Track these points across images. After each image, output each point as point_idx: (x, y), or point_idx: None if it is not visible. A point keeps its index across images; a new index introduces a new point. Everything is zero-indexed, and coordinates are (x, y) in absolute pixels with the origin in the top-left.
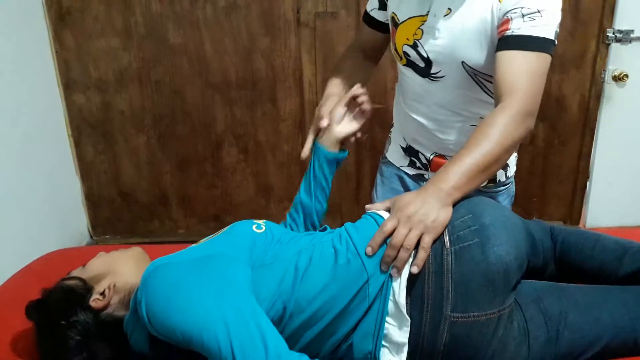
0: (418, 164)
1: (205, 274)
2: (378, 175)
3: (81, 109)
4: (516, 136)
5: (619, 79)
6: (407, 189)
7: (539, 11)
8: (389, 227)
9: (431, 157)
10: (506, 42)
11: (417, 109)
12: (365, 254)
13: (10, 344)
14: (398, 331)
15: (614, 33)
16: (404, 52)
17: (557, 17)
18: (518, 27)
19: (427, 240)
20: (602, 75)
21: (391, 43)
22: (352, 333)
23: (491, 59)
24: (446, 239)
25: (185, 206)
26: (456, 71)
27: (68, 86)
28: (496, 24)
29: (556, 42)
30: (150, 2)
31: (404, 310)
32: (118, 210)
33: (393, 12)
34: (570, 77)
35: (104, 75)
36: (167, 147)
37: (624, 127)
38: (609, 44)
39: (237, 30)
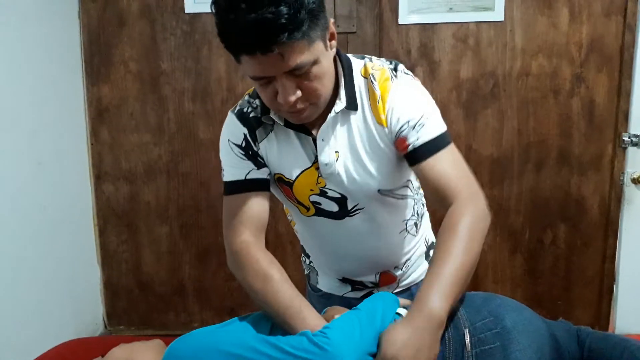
0: (363, 287)
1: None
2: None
3: (109, 198)
4: (484, 227)
5: (638, 181)
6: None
7: (422, 116)
8: None
9: (378, 276)
10: (414, 155)
11: (342, 249)
12: None
13: None
14: None
15: (629, 137)
16: (313, 202)
17: (434, 106)
18: (417, 139)
19: None
20: (621, 178)
21: (285, 198)
22: None
23: (400, 174)
24: (467, 340)
25: (202, 298)
26: (373, 199)
27: (99, 177)
28: (392, 146)
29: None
30: (184, 101)
31: None
32: (135, 301)
33: (277, 173)
34: (589, 178)
35: (134, 168)
36: (188, 237)
37: None
38: (625, 148)
39: None
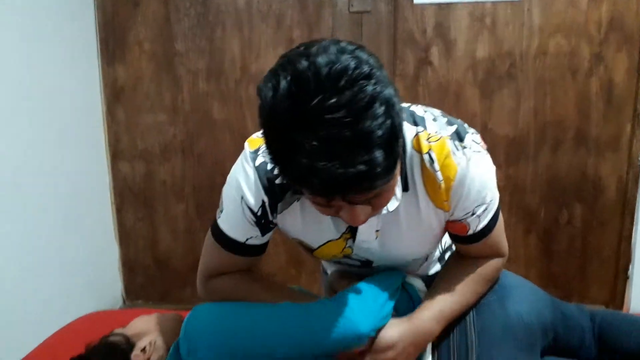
0: None
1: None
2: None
3: (126, 177)
4: (498, 276)
5: None
6: None
7: (489, 202)
8: None
9: None
10: (470, 239)
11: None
12: None
13: None
14: None
15: None
16: (334, 262)
17: (495, 184)
18: (476, 225)
19: None
20: (639, 158)
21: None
22: None
23: (437, 243)
24: None
25: None
26: (400, 262)
27: (115, 156)
28: (443, 224)
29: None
30: (198, 81)
31: None
32: (152, 277)
33: (296, 238)
34: (606, 159)
35: (150, 147)
36: (204, 216)
37: None
38: None
39: None
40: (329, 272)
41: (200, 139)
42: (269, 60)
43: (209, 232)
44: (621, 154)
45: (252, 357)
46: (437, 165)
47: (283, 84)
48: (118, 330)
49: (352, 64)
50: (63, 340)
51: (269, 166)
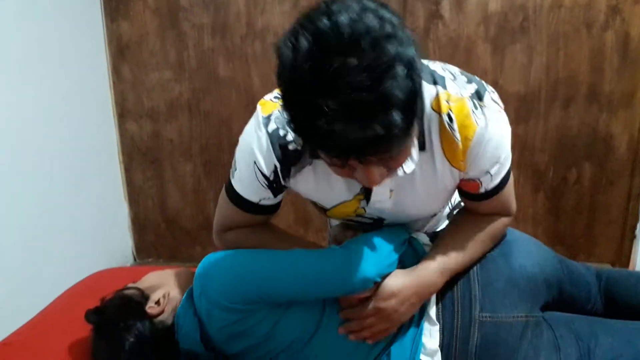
0: None
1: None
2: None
3: (133, 136)
4: (504, 234)
5: None
6: None
7: (503, 161)
8: (364, 315)
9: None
10: (480, 197)
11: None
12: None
13: (66, 351)
14: (430, 339)
15: None
16: (346, 219)
17: (509, 143)
18: (488, 183)
19: (386, 333)
20: None
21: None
22: (391, 345)
23: (448, 200)
24: None
25: None
26: (410, 219)
27: (122, 115)
28: (456, 182)
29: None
30: (203, 37)
31: (434, 317)
32: (162, 235)
33: (309, 199)
34: (619, 116)
35: (156, 105)
36: (212, 175)
37: None
38: None
39: None
40: (332, 224)
41: (206, 96)
42: (275, 15)
43: (224, 190)
44: (634, 111)
45: (260, 298)
46: (455, 126)
47: (304, 43)
48: (132, 284)
49: (375, 24)
50: (77, 296)
51: (282, 132)
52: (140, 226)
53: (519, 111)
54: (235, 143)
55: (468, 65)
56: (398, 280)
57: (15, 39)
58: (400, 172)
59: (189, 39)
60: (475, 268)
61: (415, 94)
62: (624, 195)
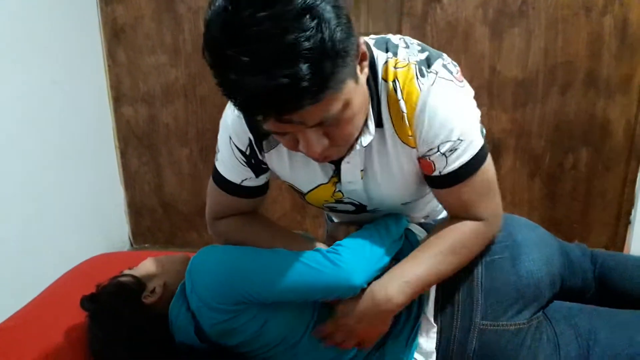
0: None
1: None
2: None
3: (129, 121)
4: (481, 247)
5: None
6: None
7: (454, 141)
8: (332, 330)
9: None
10: (438, 181)
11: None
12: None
13: (62, 336)
14: (427, 340)
15: None
16: (326, 207)
17: (472, 118)
18: (444, 166)
19: (365, 344)
20: None
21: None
22: (384, 344)
23: (427, 186)
24: None
25: None
26: (395, 207)
27: (118, 99)
28: (416, 163)
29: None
30: (199, 20)
31: (431, 319)
32: (159, 220)
33: (287, 182)
34: (616, 101)
35: (152, 90)
36: (208, 160)
37: None
38: None
39: None
40: (334, 219)
41: (202, 81)
42: None
43: (211, 176)
44: (631, 96)
45: (248, 300)
46: (400, 94)
47: (219, 1)
48: (128, 271)
49: None
50: (73, 281)
51: None
52: (136, 211)
53: (517, 96)
54: None
55: (466, 50)
56: (350, 302)
57: (7, 23)
58: (357, 145)
59: (185, 23)
60: (480, 271)
61: (326, 49)
62: (620, 180)
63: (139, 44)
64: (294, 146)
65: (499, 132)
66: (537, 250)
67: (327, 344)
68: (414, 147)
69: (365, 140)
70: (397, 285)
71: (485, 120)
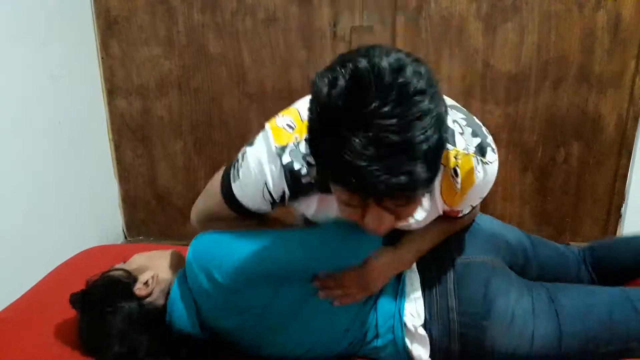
0: None
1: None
2: None
3: (123, 113)
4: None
5: None
6: None
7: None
8: (346, 284)
9: None
10: (455, 216)
11: None
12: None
13: (53, 334)
14: (412, 287)
15: None
16: None
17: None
18: (468, 211)
19: (358, 298)
20: None
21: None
22: (377, 299)
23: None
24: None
25: None
26: None
27: (111, 91)
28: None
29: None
30: (193, 12)
31: (415, 268)
32: (153, 213)
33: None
34: (607, 96)
35: (146, 82)
36: (203, 153)
37: None
38: None
39: (275, 42)
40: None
41: (196, 73)
42: None
43: (218, 186)
44: (623, 92)
45: (263, 276)
46: (459, 179)
47: (341, 81)
48: (118, 266)
49: (412, 76)
50: (66, 273)
51: (296, 165)
52: (130, 204)
53: (509, 90)
54: (225, 121)
55: (459, 45)
56: (382, 259)
57: None
58: (411, 220)
59: (179, 14)
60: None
61: (440, 149)
62: (611, 175)
63: (132, 36)
64: (359, 218)
65: (491, 126)
66: (501, 224)
67: (323, 295)
68: (454, 207)
69: (420, 215)
70: (417, 249)
71: (478, 115)
